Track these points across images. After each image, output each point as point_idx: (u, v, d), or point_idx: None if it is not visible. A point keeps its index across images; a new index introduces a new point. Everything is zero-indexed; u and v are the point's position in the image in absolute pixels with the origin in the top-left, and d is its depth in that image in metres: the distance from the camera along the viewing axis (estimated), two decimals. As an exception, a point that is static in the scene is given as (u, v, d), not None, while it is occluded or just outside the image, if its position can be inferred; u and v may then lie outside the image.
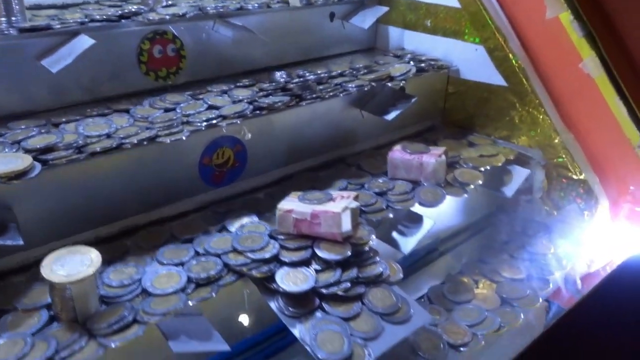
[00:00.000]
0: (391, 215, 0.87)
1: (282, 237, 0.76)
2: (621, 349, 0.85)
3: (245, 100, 0.93)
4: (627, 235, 1.01)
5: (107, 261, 0.73)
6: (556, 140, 1.07)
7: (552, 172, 1.10)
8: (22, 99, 0.86)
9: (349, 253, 0.74)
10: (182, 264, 0.73)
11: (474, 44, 1.14)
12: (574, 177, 1.07)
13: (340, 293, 0.70)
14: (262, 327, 0.80)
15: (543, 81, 1.09)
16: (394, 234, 0.89)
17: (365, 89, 1.02)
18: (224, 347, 0.66)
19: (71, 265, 0.63)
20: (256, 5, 1.08)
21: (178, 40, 0.98)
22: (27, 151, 0.73)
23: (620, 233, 1.02)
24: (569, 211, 1.08)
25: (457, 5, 1.15)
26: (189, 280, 0.70)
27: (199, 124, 0.84)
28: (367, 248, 0.76)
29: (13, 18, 0.84)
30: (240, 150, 0.91)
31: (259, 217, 0.84)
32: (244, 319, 0.82)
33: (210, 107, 0.90)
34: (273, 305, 0.69)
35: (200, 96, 0.95)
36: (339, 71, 1.08)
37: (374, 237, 0.78)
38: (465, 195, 0.94)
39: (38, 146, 0.74)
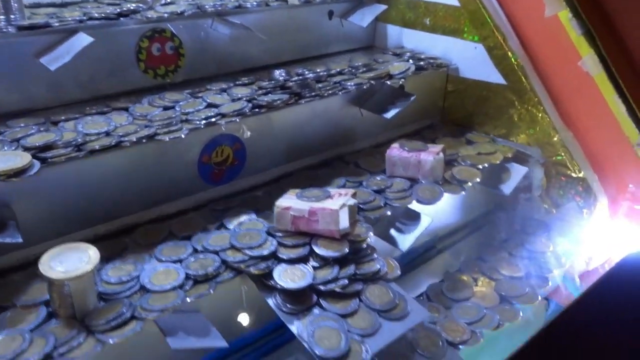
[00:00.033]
0: (389, 213, 0.87)
1: (280, 234, 0.77)
2: (620, 347, 0.85)
3: (244, 99, 0.93)
4: (625, 233, 1.01)
5: (106, 258, 0.73)
6: (555, 138, 1.07)
7: (551, 170, 1.10)
8: (21, 97, 0.87)
9: (347, 250, 0.74)
10: (180, 261, 0.73)
11: (473, 42, 1.15)
12: (573, 175, 1.07)
13: (337, 290, 0.70)
14: (260, 324, 0.80)
15: (542, 79, 1.09)
16: (392, 231, 0.89)
17: (365, 87, 1.02)
18: (222, 343, 0.66)
19: (69, 261, 0.63)
20: (254, 3, 1.09)
21: (176, 39, 0.98)
22: (26, 149, 0.74)
23: (619, 231, 1.02)
24: (568, 209, 1.08)
25: (456, 3, 1.15)
26: (187, 277, 0.70)
27: (198, 122, 0.84)
28: (364, 245, 0.77)
29: (12, 16, 0.85)
30: (239, 149, 0.91)
31: (257, 215, 0.84)
32: (242, 316, 0.82)
33: (209, 106, 0.91)
34: (271, 301, 0.69)
35: (200, 94, 0.95)
36: (338, 69, 1.08)
37: (371, 234, 0.78)
38: (463, 193, 0.94)
39: (37, 144, 0.75)
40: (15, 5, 0.85)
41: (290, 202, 0.77)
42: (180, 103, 0.91)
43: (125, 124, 0.84)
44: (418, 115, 1.20)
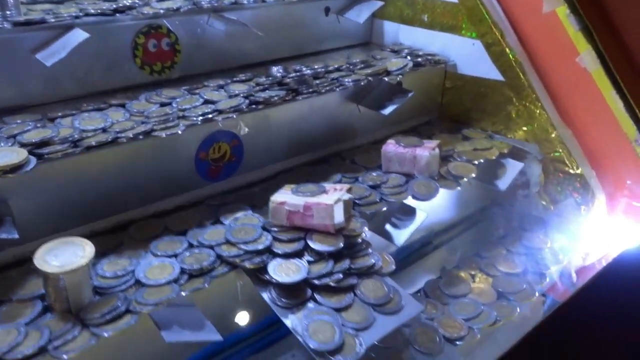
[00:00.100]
0: (385, 208, 0.87)
1: (275, 229, 0.77)
2: (616, 341, 0.85)
3: (242, 95, 0.93)
4: (623, 229, 1.01)
5: (102, 253, 0.74)
6: (553, 135, 1.07)
7: (549, 167, 1.09)
8: (18, 93, 0.87)
9: (342, 245, 0.74)
10: (175, 255, 0.74)
11: (471, 39, 1.15)
12: (571, 171, 1.07)
13: (332, 284, 0.71)
14: (257, 318, 0.80)
15: (540, 75, 1.09)
16: (387, 227, 0.89)
17: (362, 83, 1.02)
18: (216, 337, 0.66)
19: (64, 256, 0.64)
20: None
21: (173, 35, 0.99)
22: (22, 145, 0.74)
23: (616, 227, 1.02)
24: (565, 205, 1.08)
25: (454, 0, 1.15)
26: (182, 271, 0.71)
27: (194, 119, 0.84)
28: (359, 240, 0.77)
29: (7, 12, 0.85)
30: (236, 145, 0.92)
31: (253, 210, 0.84)
32: (238, 311, 0.82)
33: (207, 102, 0.91)
34: (265, 296, 0.70)
35: (197, 91, 0.95)
36: (336, 66, 1.08)
37: (366, 229, 0.78)
38: (459, 188, 0.94)
39: (34, 140, 0.75)
40: (11, 1, 0.85)
41: (285, 197, 0.77)
42: (177, 99, 0.91)
43: (122, 120, 0.84)
44: (416, 112, 1.20)
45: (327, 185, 0.80)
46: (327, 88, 0.99)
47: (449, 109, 1.23)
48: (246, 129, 0.90)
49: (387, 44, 1.30)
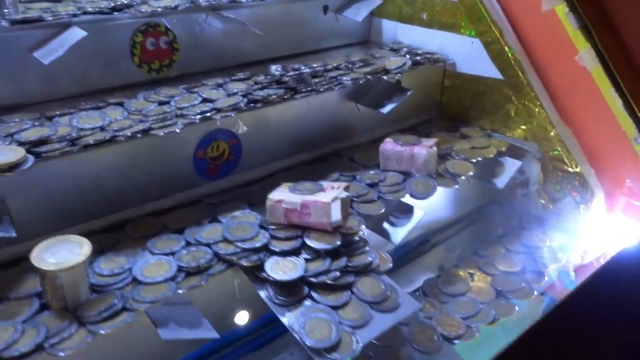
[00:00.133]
0: (382, 206, 0.86)
1: (272, 227, 0.77)
2: (615, 340, 0.85)
3: (240, 93, 0.93)
4: (622, 227, 1.01)
5: (99, 251, 0.74)
6: (552, 133, 1.07)
7: (548, 165, 1.09)
8: (16, 92, 0.87)
9: (339, 243, 0.74)
10: (172, 253, 0.74)
11: (470, 37, 1.14)
12: (570, 170, 1.07)
13: (329, 282, 0.71)
14: (253, 316, 0.80)
15: (539, 74, 1.09)
16: (385, 225, 0.89)
17: (361, 82, 1.02)
18: (213, 335, 0.66)
19: (61, 253, 0.64)
20: (249, -3, 1.09)
21: (171, 33, 0.99)
22: (20, 144, 0.74)
23: (615, 226, 1.02)
24: (564, 204, 1.08)
25: (453, -2, 1.15)
26: (179, 269, 0.71)
27: (193, 117, 0.84)
28: (357, 238, 0.77)
29: (5, 10, 0.85)
30: (235, 144, 0.92)
31: (251, 208, 0.84)
32: (236, 309, 0.82)
33: (205, 100, 0.91)
34: (262, 293, 0.70)
35: (195, 89, 0.95)
36: (335, 64, 1.08)
37: (363, 227, 0.78)
38: (456, 186, 0.94)
39: (31, 139, 0.75)
40: (9, -1, 0.86)
41: (282, 195, 0.77)
42: (176, 98, 0.91)
43: (120, 118, 0.84)
44: (415, 111, 1.20)
45: (325, 184, 0.80)
46: (326, 87, 0.98)
47: (448, 107, 1.23)
48: (245, 128, 0.90)
49: (385, 42, 1.29)
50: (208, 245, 0.75)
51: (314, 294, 0.70)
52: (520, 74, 1.08)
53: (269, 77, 1.00)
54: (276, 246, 0.74)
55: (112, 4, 0.96)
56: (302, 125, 1.00)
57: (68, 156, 0.74)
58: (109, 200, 0.81)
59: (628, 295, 0.87)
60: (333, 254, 0.74)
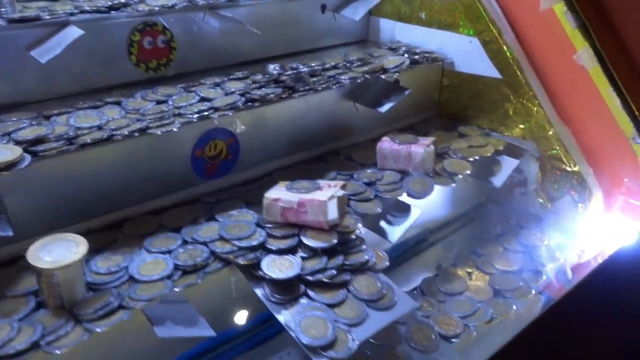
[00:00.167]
0: (380, 210, 0.86)
1: (269, 225, 0.77)
2: (612, 338, 0.85)
3: (238, 92, 0.93)
4: (620, 226, 1.00)
5: (96, 250, 0.74)
6: (550, 132, 1.07)
7: (546, 164, 1.09)
8: (13, 90, 0.87)
9: (335, 241, 0.74)
10: (169, 252, 0.74)
11: (468, 36, 1.14)
12: (568, 169, 1.07)
13: (325, 280, 0.70)
14: (251, 315, 0.81)
15: (537, 73, 1.09)
16: (382, 223, 0.89)
17: (359, 81, 1.02)
18: (210, 332, 0.66)
19: (58, 252, 0.64)
20: (246, -4, 1.09)
21: (168, 32, 0.99)
22: (17, 143, 0.74)
23: (613, 225, 1.02)
24: (562, 203, 1.08)
25: (452, -3, 1.15)
26: (176, 267, 0.71)
27: (190, 116, 0.84)
28: (353, 236, 0.77)
29: (2, 9, 0.85)
30: (232, 143, 0.92)
31: (248, 207, 0.84)
32: (233, 307, 0.82)
33: (203, 99, 0.91)
34: (259, 292, 0.70)
35: (193, 88, 0.95)
36: (333, 63, 1.08)
37: (360, 225, 0.78)
38: (454, 185, 0.94)
39: (28, 138, 0.75)
40: (6, -2, 0.86)
41: (279, 193, 0.77)
42: (174, 97, 0.91)
43: (118, 117, 0.84)
44: (414, 110, 1.20)
45: (322, 182, 0.80)
46: (324, 86, 0.98)
47: (446, 106, 1.23)
48: (242, 127, 0.90)
49: (384, 41, 1.29)
50: (205, 243, 0.75)
51: (310, 292, 0.70)
52: (519, 73, 1.08)
53: (266, 76, 1.00)
54: (273, 244, 0.74)
55: (110, 3, 0.96)
56: (300, 125, 1.00)
57: (65, 155, 0.74)
58: (107, 199, 0.81)
59: (625, 294, 0.87)
60: (329, 252, 0.74)
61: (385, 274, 0.75)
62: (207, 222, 0.81)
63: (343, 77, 1.01)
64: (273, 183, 0.83)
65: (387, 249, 0.84)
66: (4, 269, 0.72)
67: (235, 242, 0.74)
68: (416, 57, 1.14)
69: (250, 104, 0.90)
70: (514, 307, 0.88)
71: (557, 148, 1.07)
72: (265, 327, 0.80)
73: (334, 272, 0.71)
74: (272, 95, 0.92)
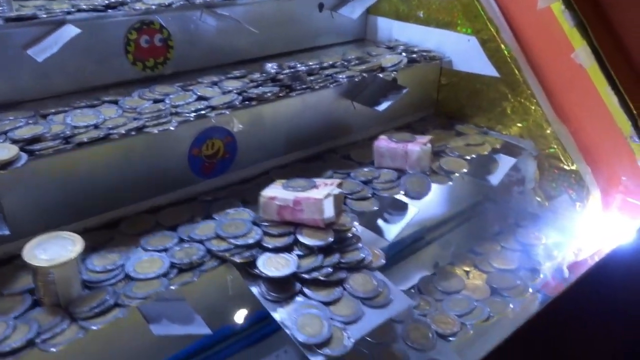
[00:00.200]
0: (376, 208, 0.87)
1: (265, 223, 0.77)
2: (609, 336, 0.85)
3: (235, 91, 0.93)
4: (618, 225, 1.00)
5: (92, 248, 0.74)
6: (548, 131, 1.07)
7: (544, 163, 1.09)
8: (10, 89, 0.87)
9: (331, 239, 0.74)
10: (165, 250, 0.74)
11: (466, 35, 1.14)
12: (566, 167, 1.07)
13: (321, 278, 0.71)
14: (248, 313, 0.81)
15: (535, 72, 1.09)
16: (379, 222, 0.89)
17: (356, 79, 1.02)
18: (206, 330, 0.66)
19: (53, 250, 0.64)
20: (244, -5, 1.09)
21: (165, 30, 0.99)
22: (14, 142, 0.74)
23: (611, 223, 1.02)
24: (560, 202, 1.08)
25: (450, -4, 1.15)
26: (172, 265, 0.71)
27: (187, 115, 0.84)
28: (349, 234, 0.77)
29: (-1, 8, 0.86)
30: (230, 141, 0.92)
31: (245, 206, 0.84)
32: (229, 306, 0.82)
33: (200, 98, 0.91)
34: (255, 290, 0.70)
35: (190, 87, 0.95)
36: (331, 62, 1.08)
37: (356, 223, 0.78)
38: (450, 183, 0.94)
39: (25, 137, 0.74)
40: (3, -3, 0.86)
41: (275, 192, 0.77)
42: (171, 96, 0.90)
43: (115, 116, 0.83)
44: (412, 108, 1.20)
45: (318, 180, 0.80)
46: (321, 84, 0.98)
47: (444, 105, 1.23)
48: (240, 126, 0.90)
49: (382, 40, 1.29)
50: (201, 242, 0.75)
51: (306, 290, 0.70)
52: (517, 72, 1.08)
53: (264, 74, 1.00)
54: (269, 243, 0.74)
55: (107, 2, 0.96)
56: (298, 123, 1.00)
57: (61, 154, 0.74)
58: (104, 198, 0.81)
59: (622, 292, 0.87)
60: (325, 250, 0.74)
61: (382, 273, 0.75)
62: (204, 221, 0.81)
63: (340, 76, 1.01)
64: (270, 182, 0.83)
65: (384, 247, 0.83)
66: (0, 267, 0.72)
67: (232, 240, 0.74)
68: (414, 55, 1.14)
69: (247, 102, 0.90)
70: (511, 306, 0.88)
71: (555, 146, 1.07)
72: (262, 326, 0.80)
73: (330, 270, 0.71)
74: (269, 94, 0.92)
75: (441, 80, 1.22)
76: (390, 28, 1.28)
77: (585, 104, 1.03)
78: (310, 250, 0.73)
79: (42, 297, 0.65)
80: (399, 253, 0.98)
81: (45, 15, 0.87)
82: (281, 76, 0.98)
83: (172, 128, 0.81)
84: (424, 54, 1.16)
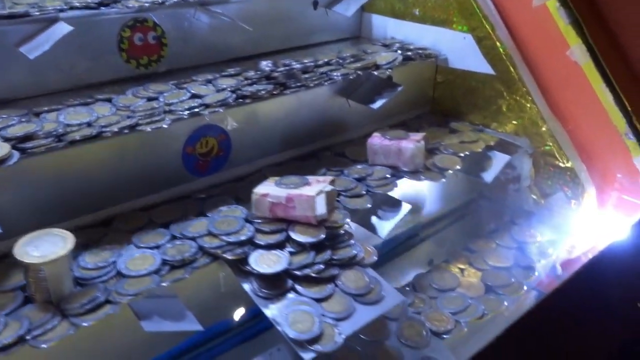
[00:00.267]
0: (369, 205, 0.86)
1: (257, 220, 0.77)
2: (604, 332, 0.85)
3: (229, 89, 0.93)
4: (613, 222, 1.00)
5: (85, 245, 0.74)
6: (543, 128, 1.07)
7: (540, 161, 1.09)
8: (2, 87, 0.87)
9: (323, 236, 0.74)
10: (157, 247, 0.74)
11: (462, 33, 1.14)
12: (561, 165, 1.06)
13: (313, 275, 0.71)
14: (240, 310, 0.81)
15: (531, 69, 1.09)
16: (372, 218, 0.89)
17: (351, 77, 1.02)
18: (197, 327, 0.66)
19: (45, 247, 0.64)
20: (237, -8, 1.09)
21: (159, 28, 0.99)
22: (6, 140, 0.73)
23: (606, 221, 1.01)
24: (556, 199, 1.08)
25: (445, -6, 1.15)
26: (164, 262, 0.71)
27: (181, 113, 0.84)
28: (342, 231, 0.77)
29: (-8, 5, 0.86)
30: (224, 139, 0.91)
31: (238, 203, 0.84)
32: (222, 303, 0.82)
33: (194, 96, 0.90)
34: (247, 286, 0.70)
35: (184, 85, 0.95)
36: (326, 60, 1.07)
37: (349, 220, 0.78)
38: (444, 180, 0.94)
39: (17, 135, 0.74)
40: (-5, -6, 0.86)
41: (268, 189, 0.77)
42: (165, 94, 0.90)
43: (108, 114, 0.83)
44: (408, 106, 1.19)
45: (310, 178, 0.80)
46: (316, 82, 0.98)
47: (440, 103, 1.23)
48: (234, 124, 0.90)
49: (377, 38, 1.29)
50: (193, 239, 0.75)
51: (297, 287, 0.70)
52: (512, 69, 1.08)
53: (259, 72, 1.00)
54: (261, 240, 0.74)
55: (99, -1, 0.96)
56: (293, 121, 1.00)
57: (54, 152, 0.74)
58: (97, 197, 0.81)
59: (615, 289, 0.87)
60: (317, 247, 0.74)
61: (377, 270, 0.75)
62: (197, 218, 0.81)
63: (335, 74, 1.01)
64: (264, 179, 0.83)
65: (378, 244, 0.84)
66: (-8, 265, 0.72)
67: (224, 237, 0.74)
68: (409, 53, 1.14)
69: (241, 100, 0.90)
70: (505, 304, 0.88)
71: (550, 144, 1.07)
72: (255, 323, 0.80)
73: (322, 266, 0.72)
74: (263, 92, 0.92)
75: (437, 78, 1.22)
76: (385, 26, 1.28)
77: (580, 101, 1.03)
78: (302, 247, 0.73)
79: (33, 294, 0.65)
80: (394, 250, 0.98)
81: (37, 13, 0.87)
82: (276, 74, 0.98)
83: (165, 126, 0.81)
84: (420, 51, 1.16)
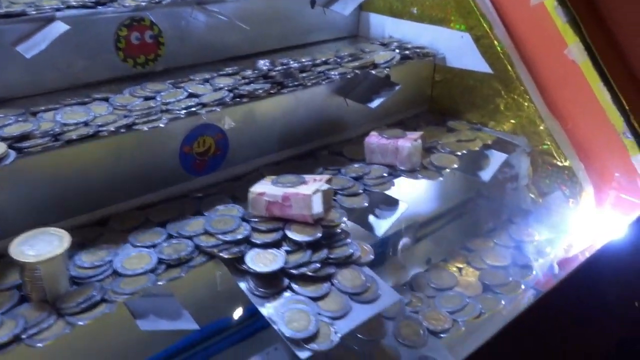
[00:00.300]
0: (366, 204, 0.86)
1: (254, 219, 0.77)
2: (601, 331, 0.85)
3: (226, 88, 0.93)
4: (611, 221, 1.00)
5: (81, 244, 0.74)
6: (541, 127, 1.07)
7: (537, 159, 1.09)
8: (0, 86, 0.87)
9: (320, 234, 0.74)
10: (154, 246, 0.74)
11: (459, 32, 1.14)
12: (559, 164, 1.06)
13: (309, 273, 0.71)
14: (236, 309, 0.80)
15: (528, 68, 1.09)
16: (369, 217, 0.89)
17: (349, 76, 1.01)
18: (193, 326, 0.66)
19: (40, 246, 0.64)
20: (234, -9, 1.08)
21: (156, 27, 0.98)
22: (2, 139, 0.73)
23: (604, 220, 1.01)
24: (554, 198, 1.08)
25: (443, -8, 1.15)
26: (160, 261, 0.71)
27: (178, 112, 0.84)
28: (338, 230, 0.77)
29: (-12, 5, 0.86)
30: (221, 139, 0.91)
31: (235, 202, 0.84)
32: (219, 302, 0.82)
33: (191, 95, 0.90)
34: (243, 285, 0.70)
35: (182, 84, 0.95)
36: (324, 59, 1.07)
37: (345, 219, 0.78)
38: (441, 179, 0.94)
39: (14, 134, 0.74)
40: (-9, -6, 0.86)
41: (264, 188, 0.77)
42: (162, 93, 0.90)
43: (105, 114, 0.83)
44: (406, 105, 1.19)
45: (307, 177, 0.80)
46: (314, 81, 0.98)
47: (438, 102, 1.23)
48: (231, 123, 0.90)
49: (375, 37, 1.29)
50: (190, 238, 0.75)
51: (294, 286, 0.70)
52: (510, 68, 1.08)
53: (256, 71, 1.00)
54: (257, 238, 0.74)
55: (96, -2, 0.96)
56: (290, 120, 1.00)
57: (50, 151, 0.74)
58: (93, 196, 0.81)
59: (613, 288, 0.87)
60: (314, 245, 0.74)
61: (374, 269, 0.75)
62: (194, 217, 0.81)
63: (333, 73, 1.00)
64: (261, 178, 0.83)
65: (375, 243, 0.83)
66: (-11, 265, 0.72)
67: (220, 236, 0.74)
68: (407, 52, 1.13)
69: (238, 99, 0.90)
70: (503, 303, 0.88)
71: (548, 143, 1.07)
72: (252, 321, 0.80)
73: (318, 265, 0.71)
74: (260, 91, 0.92)
75: (435, 77, 1.22)
76: (383, 25, 1.28)
77: (578, 100, 1.03)
78: (298, 246, 0.73)
79: (29, 293, 0.64)
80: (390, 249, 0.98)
81: (34, 12, 0.87)
82: (273, 73, 0.98)
83: (162, 125, 0.80)
84: (418, 50, 1.16)
